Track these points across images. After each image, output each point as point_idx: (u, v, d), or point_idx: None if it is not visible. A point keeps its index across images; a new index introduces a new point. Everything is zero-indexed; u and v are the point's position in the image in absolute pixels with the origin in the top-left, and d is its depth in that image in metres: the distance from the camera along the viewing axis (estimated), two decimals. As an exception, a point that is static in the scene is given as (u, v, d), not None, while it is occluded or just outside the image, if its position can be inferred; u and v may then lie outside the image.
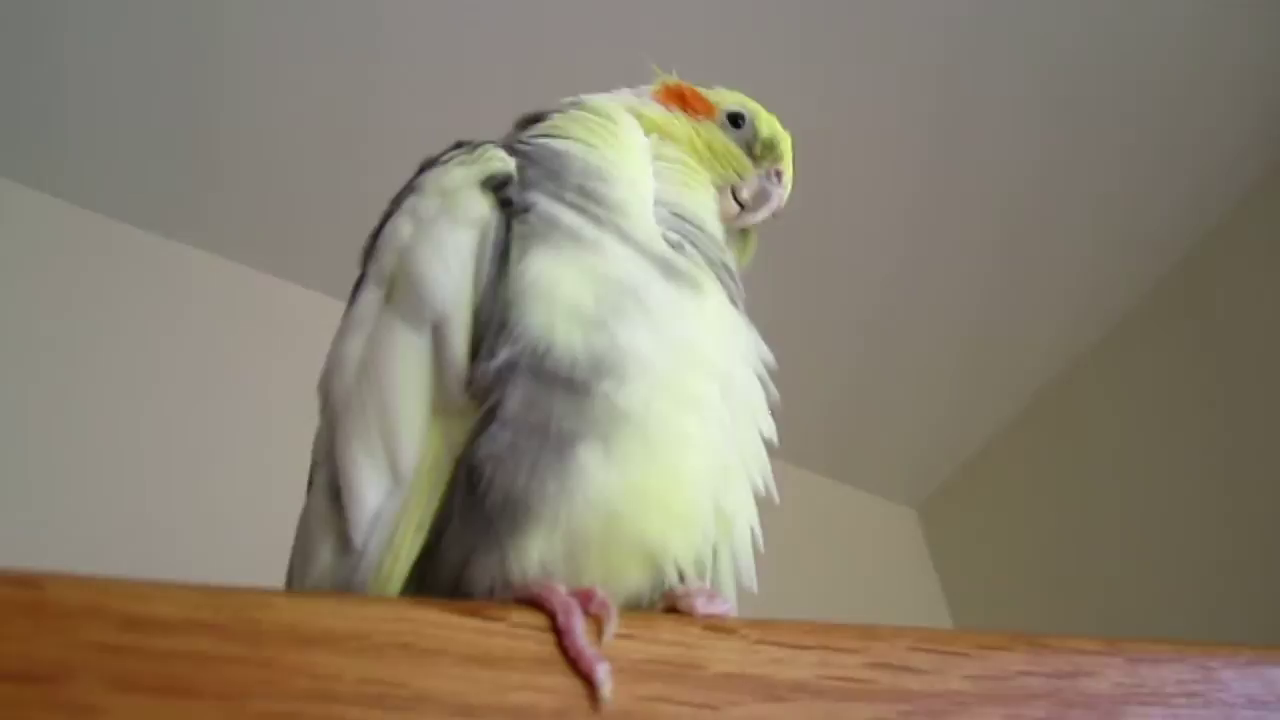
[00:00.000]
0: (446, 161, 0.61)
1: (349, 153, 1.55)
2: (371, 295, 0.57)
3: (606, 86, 0.70)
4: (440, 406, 0.52)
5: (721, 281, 0.61)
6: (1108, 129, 1.68)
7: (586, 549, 0.49)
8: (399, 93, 1.51)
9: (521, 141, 0.63)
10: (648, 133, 0.67)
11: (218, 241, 1.61)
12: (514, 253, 0.55)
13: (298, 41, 1.47)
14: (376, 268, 0.59)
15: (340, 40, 1.48)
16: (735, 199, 0.68)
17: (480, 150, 0.61)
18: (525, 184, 0.58)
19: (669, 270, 0.57)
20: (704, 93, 0.73)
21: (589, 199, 0.57)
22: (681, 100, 0.71)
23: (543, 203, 0.56)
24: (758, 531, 0.58)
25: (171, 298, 1.55)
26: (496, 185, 0.58)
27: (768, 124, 0.71)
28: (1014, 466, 2.02)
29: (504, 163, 0.59)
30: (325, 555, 0.51)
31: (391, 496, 0.50)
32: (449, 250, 0.55)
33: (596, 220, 0.57)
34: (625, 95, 0.70)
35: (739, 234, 0.69)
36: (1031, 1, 1.55)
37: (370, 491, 0.50)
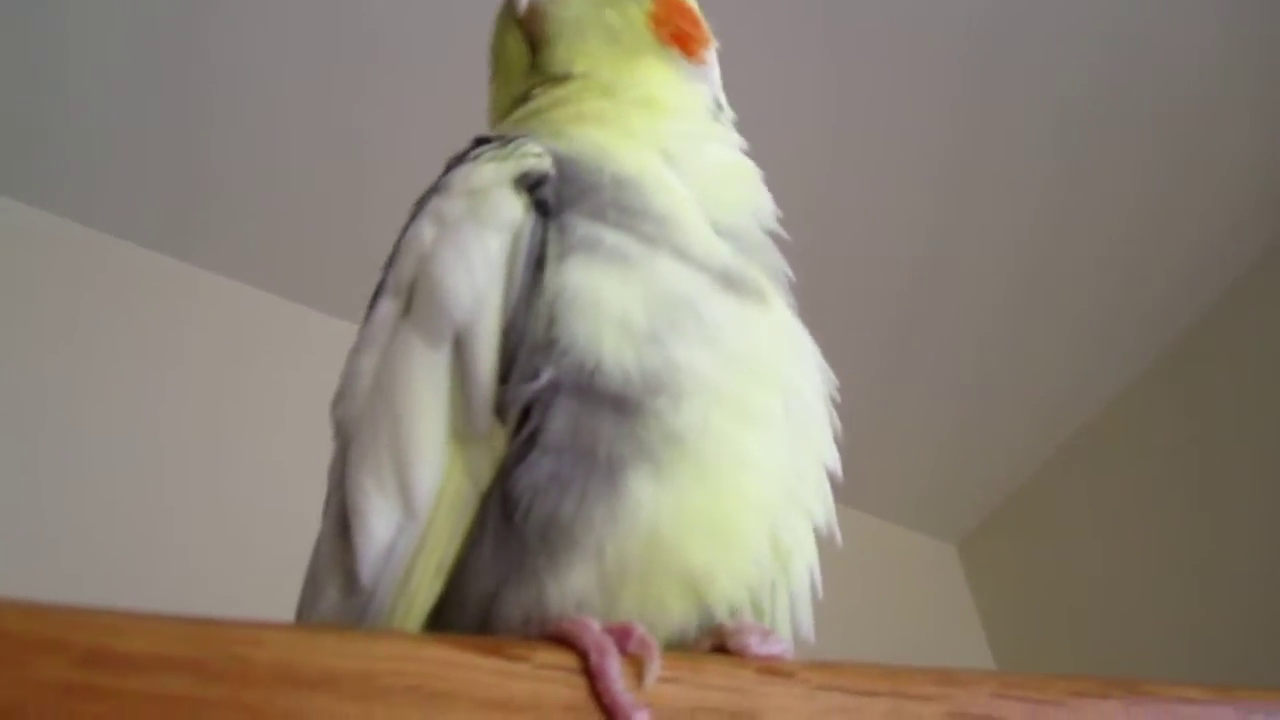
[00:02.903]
0: (476, 158, 0.55)
1: (351, 172, 1.53)
2: (387, 307, 0.52)
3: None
4: (462, 432, 0.46)
5: (784, 292, 0.56)
6: (1121, 179, 1.65)
7: (624, 579, 0.44)
8: (401, 112, 1.49)
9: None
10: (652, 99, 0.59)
11: (217, 259, 1.59)
12: (550, 259, 0.49)
13: (298, 60, 1.45)
14: (394, 276, 0.53)
15: (342, 58, 1.45)
16: None
17: (514, 145, 0.55)
18: (559, 197, 0.52)
19: (729, 281, 0.51)
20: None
21: (629, 214, 0.51)
22: (683, 41, 0.63)
23: (581, 225, 0.50)
24: (817, 575, 0.52)
25: (171, 316, 1.52)
26: (532, 184, 0.52)
27: None
28: (1054, 502, 1.99)
29: (540, 159, 0.53)
30: (332, 594, 0.46)
31: (404, 531, 0.45)
32: (475, 256, 0.50)
33: (644, 238, 0.51)
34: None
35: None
36: (1033, 79, 1.54)
37: (380, 524, 0.45)
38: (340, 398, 0.52)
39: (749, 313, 0.51)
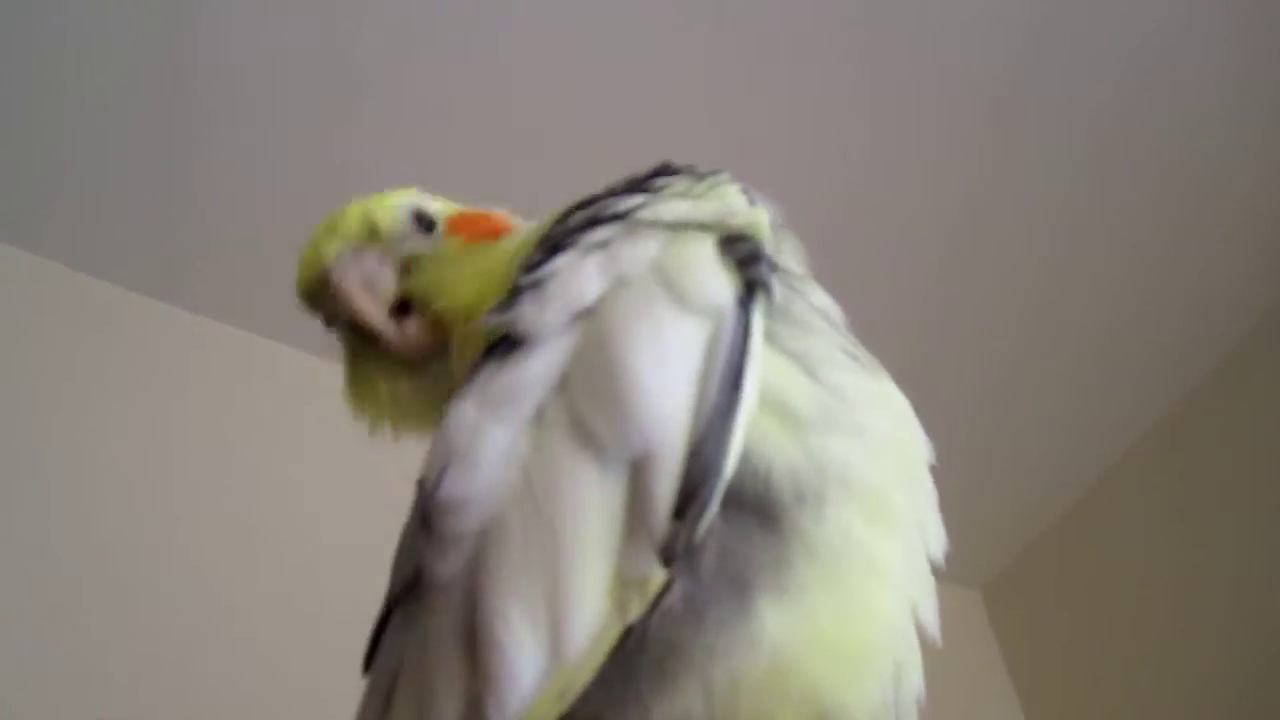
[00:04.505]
0: (661, 190, 0.46)
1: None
2: (537, 367, 0.42)
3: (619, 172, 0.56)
4: (623, 574, 0.39)
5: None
6: (1135, 224, 1.65)
7: (735, 704, 0.38)
8: (396, 150, 1.48)
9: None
10: None
11: (212, 306, 1.59)
12: (752, 371, 0.40)
13: (289, 99, 1.45)
14: (537, 320, 0.43)
15: (334, 96, 1.45)
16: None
17: (717, 183, 0.46)
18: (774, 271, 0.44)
19: (856, 359, 0.46)
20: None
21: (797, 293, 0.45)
22: (480, 226, 0.60)
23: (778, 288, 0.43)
24: (921, 686, 0.45)
25: (162, 361, 1.52)
26: (741, 259, 0.43)
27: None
28: (1078, 545, 1.96)
29: (752, 214, 0.44)
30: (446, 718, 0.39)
31: (546, 675, 0.38)
32: (672, 347, 0.40)
33: (797, 320, 0.44)
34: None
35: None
36: (1047, 128, 1.54)
37: (526, 669, 0.37)
38: (455, 462, 0.42)
39: (879, 386, 0.45)
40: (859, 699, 0.40)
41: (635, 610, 0.38)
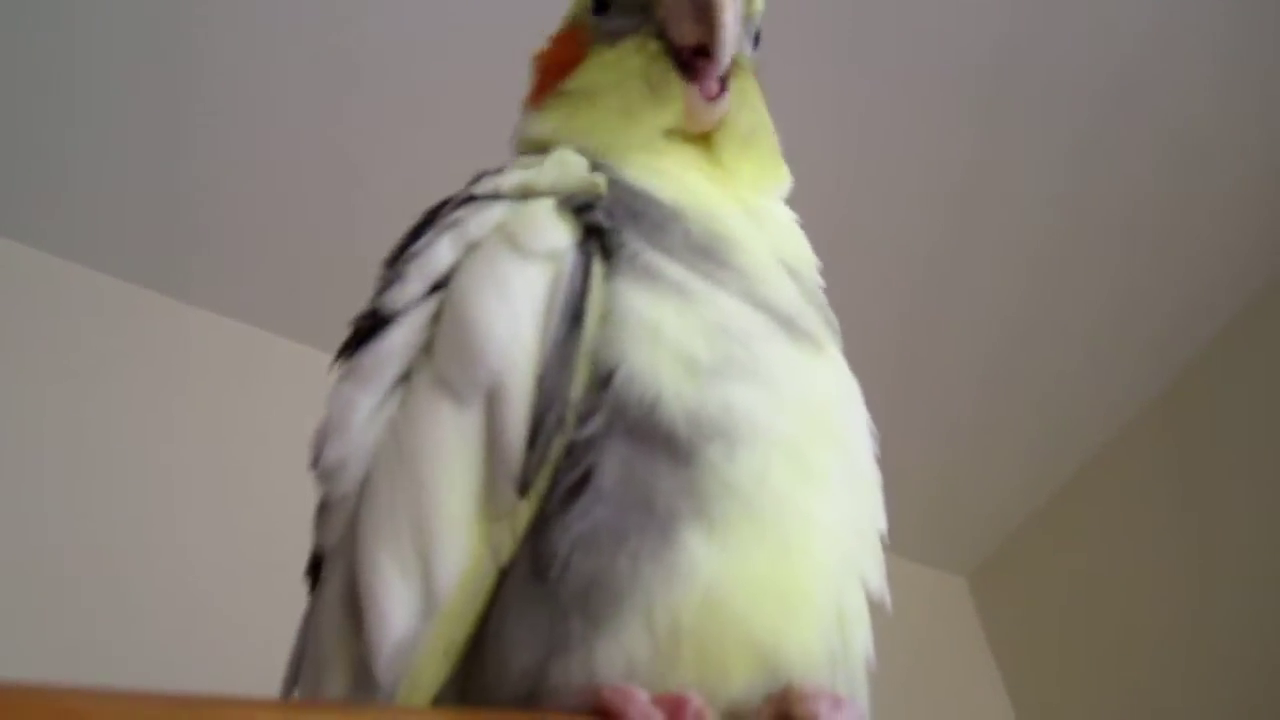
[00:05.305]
0: (508, 168, 0.49)
1: (345, 209, 1.51)
2: (398, 337, 0.45)
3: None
4: (487, 508, 0.41)
5: (837, 338, 0.51)
6: (1126, 205, 1.64)
7: (678, 645, 0.38)
8: (397, 145, 1.47)
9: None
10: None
11: (211, 299, 1.58)
12: (592, 308, 0.43)
13: (292, 97, 1.43)
14: (399, 297, 0.46)
15: (336, 92, 1.44)
16: (684, 71, 0.52)
17: (560, 158, 0.49)
18: (614, 218, 0.46)
19: (792, 327, 0.47)
20: (566, 20, 0.59)
21: (697, 252, 0.46)
22: (550, 70, 0.57)
23: (644, 252, 0.45)
24: (870, 645, 0.46)
25: (164, 355, 1.51)
26: (578, 207, 0.46)
27: None
28: (1065, 530, 1.96)
29: (591, 180, 0.47)
30: (338, 684, 0.40)
31: (422, 618, 0.40)
32: (515, 291, 0.43)
33: (707, 275, 0.46)
34: (522, 127, 0.57)
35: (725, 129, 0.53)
36: (1037, 113, 1.53)
37: (399, 614, 0.39)
38: (330, 432, 0.45)
39: (806, 359, 0.47)
40: (800, 646, 0.41)
41: (507, 546, 0.40)
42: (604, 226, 0.45)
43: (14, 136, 1.41)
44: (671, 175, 0.50)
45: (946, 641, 1.94)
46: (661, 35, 0.53)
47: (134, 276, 1.54)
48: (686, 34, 0.51)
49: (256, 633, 1.20)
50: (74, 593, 1.21)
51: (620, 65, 0.53)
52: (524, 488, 0.40)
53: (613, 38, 0.54)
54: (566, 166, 0.48)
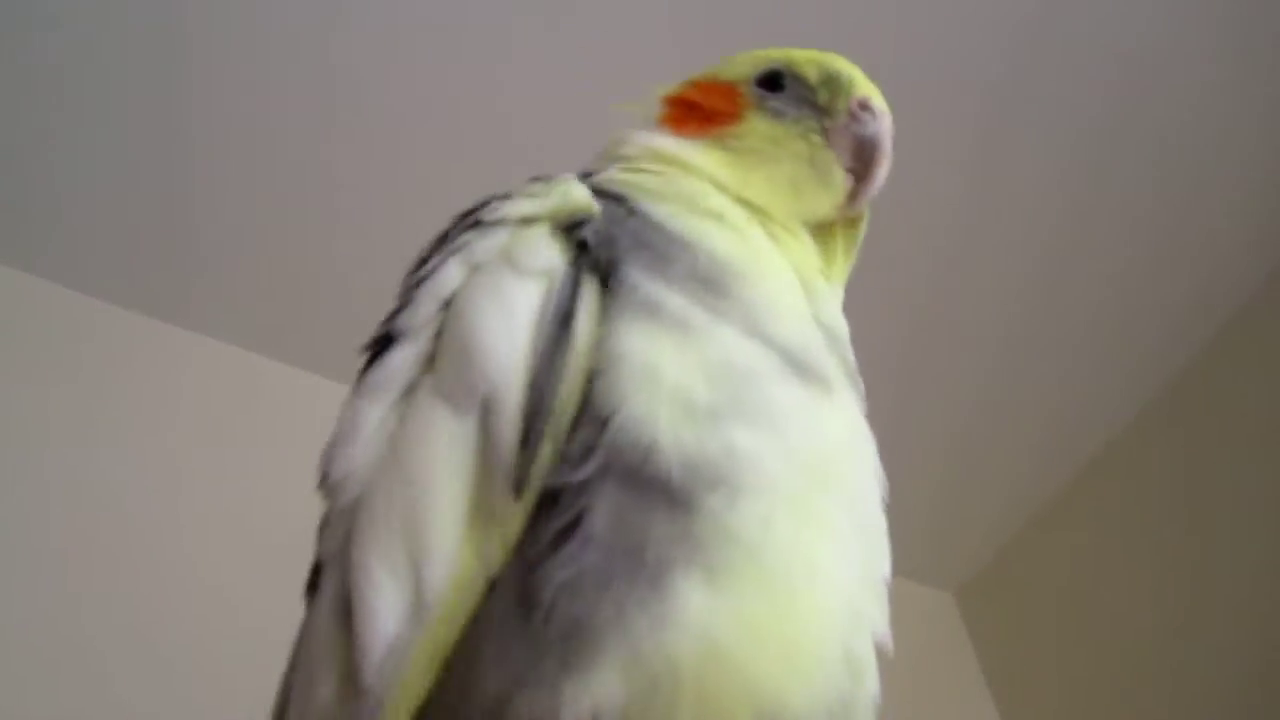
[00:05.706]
0: (514, 195, 0.52)
1: (342, 236, 1.53)
2: (405, 353, 0.47)
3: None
4: (480, 514, 0.41)
5: (855, 386, 0.52)
6: (1125, 212, 1.65)
7: (677, 693, 0.38)
8: (394, 173, 1.48)
9: (602, 189, 0.52)
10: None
11: (208, 323, 1.59)
12: (581, 316, 0.44)
13: (290, 125, 1.45)
14: (410, 318, 0.48)
15: (332, 120, 1.45)
16: (839, 173, 0.57)
17: (557, 182, 0.51)
18: (610, 242, 0.47)
19: (801, 368, 0.47)
20: (718, 75, 0.60)
21: (702, 283, 0.47)
22: (699, 112, 0.59)
23: (644, 283, 0.45)
24: (878, 694, 0.46)
25: (162, 380, 1.52)
26: (570, 226, 0.48)
27: (812, 61, 0.59)
28: (1052, 546, 1.95)
29: (586, 201, 0.49)
30: (326, 690, 0.41)
31: (411, 624, 0.40)
32: (511, 304, 0.45)
33: (710, 308, 0.46)
34: (654, 141, 0.59)
35: (842, 225, 0.58)
36: (1038, 122, 1.54)
37: (388, 616, 0.40)
38: (337, 447, 0.46)
39: (814, 401, 0.47)
40: (805, 696, 0.40)
41: (497, 555, 0.40)
42: (591, 243, 0.47)
43: (10, 163, 1.42)
44: (740, 230, 0.53)
45: (934, 657, 1.93)
46: (824, 133, 0.58)
47: (130, 302, 1.55)
48: (844, 159, 0.58)
49: (255, 651, 1.21)
50: (74, 615, 1.22)
51: (786, 144, 0.58)
52: (518, 487, 0.41)
53: (776, 114, 0.59)
54: (567, 196, 0.50)
